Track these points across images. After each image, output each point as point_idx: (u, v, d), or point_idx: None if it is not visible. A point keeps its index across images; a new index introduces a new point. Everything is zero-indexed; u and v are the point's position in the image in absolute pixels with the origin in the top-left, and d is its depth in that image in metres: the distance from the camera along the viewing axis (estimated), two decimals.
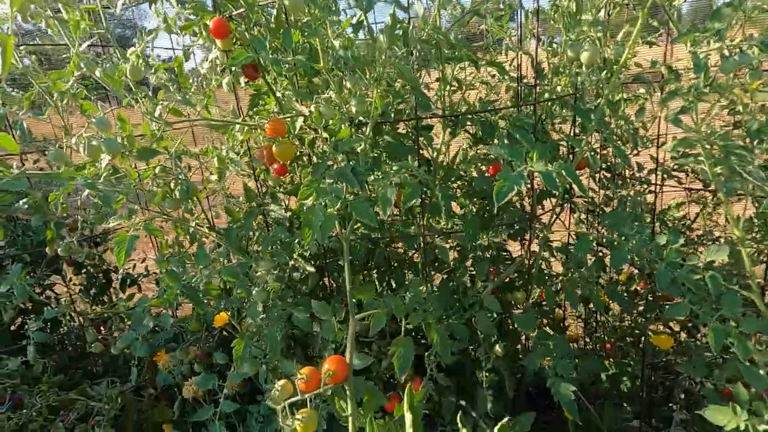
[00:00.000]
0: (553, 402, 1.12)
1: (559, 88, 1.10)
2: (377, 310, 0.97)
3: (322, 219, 0.88)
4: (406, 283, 1.33)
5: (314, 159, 0.99)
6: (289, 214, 1.37)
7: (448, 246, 1.24)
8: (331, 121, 1.01)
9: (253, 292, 1.12)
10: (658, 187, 1.48)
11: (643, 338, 1.53)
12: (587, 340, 1.79)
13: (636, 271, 1.63)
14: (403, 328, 0.98)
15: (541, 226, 1.29)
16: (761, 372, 0.92)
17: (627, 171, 1.63)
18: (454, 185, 1.21)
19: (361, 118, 1.01)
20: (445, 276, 1.37)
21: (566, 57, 1.00)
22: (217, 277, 1.22)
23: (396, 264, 1.42)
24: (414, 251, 1.32)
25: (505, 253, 1.44)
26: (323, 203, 0.91)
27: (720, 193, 0.82)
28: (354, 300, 1.00)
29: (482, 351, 1.21)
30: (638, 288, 1.52)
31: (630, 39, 1.03)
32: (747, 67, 0.93)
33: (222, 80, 1.22)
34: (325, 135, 0.98)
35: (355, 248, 1.21)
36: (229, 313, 1.38)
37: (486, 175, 1.10)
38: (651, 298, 1.46)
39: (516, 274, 1.40)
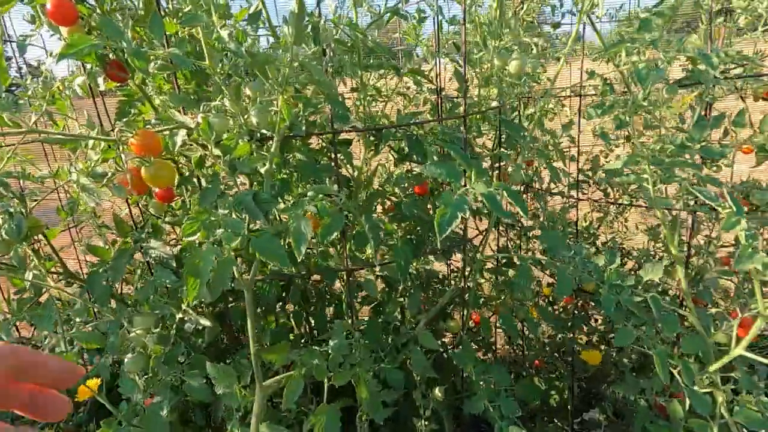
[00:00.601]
0: None
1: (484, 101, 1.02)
2: (292, 372, 0.77)
3: (213, 264, 0.67)
4: (328, 322, 1.14)
5: (203, 183, 0.77)
6: (176, 249, 1.10)
7: (374, 277, 1.08)
8: (224, 136, 0.80)
9: (126, 360, 0.85)
10: (570, 199, 1.49)
11: (571, 352, 1.52)
12: (516, 353, 1.76)
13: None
14: (326, 390, 0.80)
15: (473, 247, 1.19)
16: (696, 388, 0.90)
17: (539, 185, 1.64)
18: (378, 208, 1.06)
19: (264, 131, 0.82)
20: (371, 310, 1.21)
21: (495, 66, 0.92)
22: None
23: (315, 300, 1.23)
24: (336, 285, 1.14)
25: (434, 280, 1.32)
26: (216, 241, 0.69)
27: (658, 211, 0.78)
28: (264, 359, 0.79)
29: (418, 395, 1.06)
30: (564, 303, 1.51)
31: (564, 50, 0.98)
32: (662, 82, 0.92)
33: (74, 81, 0.93)
34: (217, 152, 0.77)
35: (263, 289, 0.99)
36: (99, 381, 1.06)
37: (415, 197, 0.97)
38: (576, 313, 1.46)
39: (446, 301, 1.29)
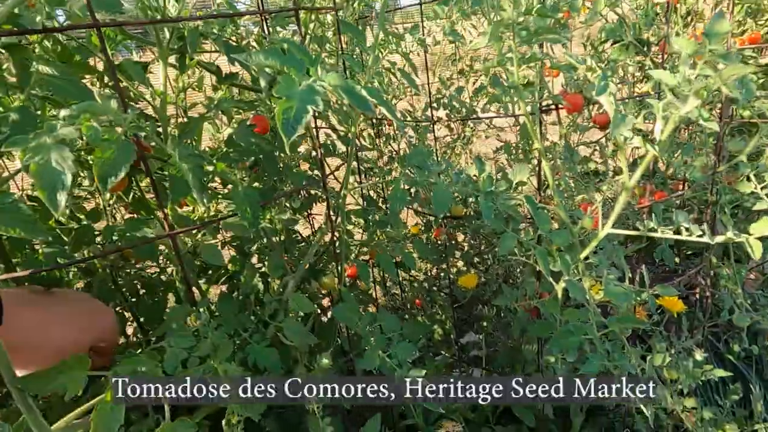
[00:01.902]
0: None
1: None
2: (100, 397, 0.50)
3: None
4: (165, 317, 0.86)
5: None
6: None
7: (218, 243, 0.83)
8: None
9: None
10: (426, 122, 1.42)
11: (448, 281, 1.51)
12: (395, 300, 1.71)
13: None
14: (167, 409, 0.55)
15: (332, 189, 1.03)
16: (568, 278, 0.92)
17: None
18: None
19: None
20: (227, 286, 0.96)
21: None
22: None
23: (144, 292, 0.91)
24: (158, 265, 0.85)
25: (295, 234, 1.13)
26: None
27: (522, 106, 0.72)
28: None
29: (301, 368, 0.88)
30: (435, 236, 1.49)
31: None
32: None
33: None
34: None
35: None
36: None
37: (250, 126, 0.74)
38: (447, 244, 1.45)
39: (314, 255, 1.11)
